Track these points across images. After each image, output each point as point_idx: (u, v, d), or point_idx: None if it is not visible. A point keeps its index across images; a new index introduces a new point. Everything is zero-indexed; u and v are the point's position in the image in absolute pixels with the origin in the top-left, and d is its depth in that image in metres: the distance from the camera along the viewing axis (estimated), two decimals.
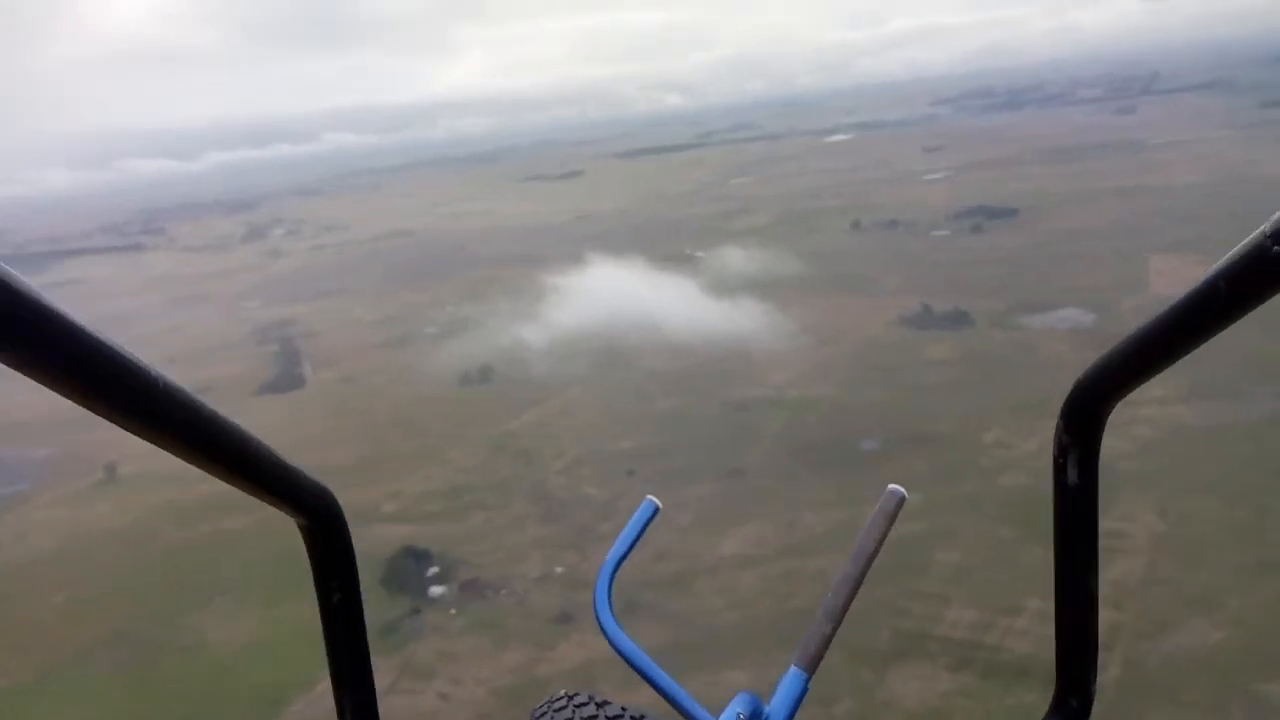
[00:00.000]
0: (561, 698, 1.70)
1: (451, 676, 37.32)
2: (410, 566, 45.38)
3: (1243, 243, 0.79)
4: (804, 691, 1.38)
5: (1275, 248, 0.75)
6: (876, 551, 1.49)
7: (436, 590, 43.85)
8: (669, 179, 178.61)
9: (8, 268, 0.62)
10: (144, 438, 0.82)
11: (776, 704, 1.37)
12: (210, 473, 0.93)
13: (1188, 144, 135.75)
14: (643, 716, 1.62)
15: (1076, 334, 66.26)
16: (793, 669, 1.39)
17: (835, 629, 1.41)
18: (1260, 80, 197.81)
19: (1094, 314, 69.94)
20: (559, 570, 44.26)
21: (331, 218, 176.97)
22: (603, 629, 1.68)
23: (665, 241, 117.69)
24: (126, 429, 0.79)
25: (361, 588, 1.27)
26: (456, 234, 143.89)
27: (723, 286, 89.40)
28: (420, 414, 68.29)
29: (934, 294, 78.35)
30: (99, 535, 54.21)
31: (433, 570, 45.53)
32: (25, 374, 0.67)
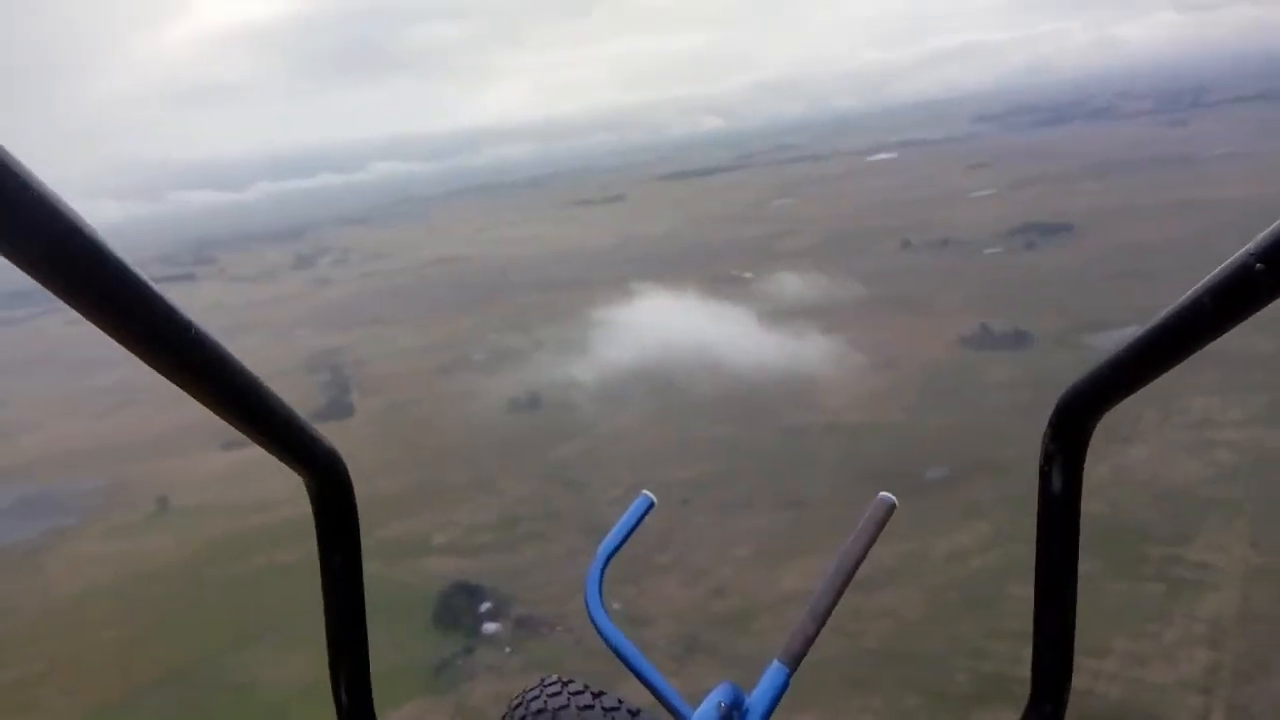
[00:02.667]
0: (555, 682, 1.68)
1: None
2: (462, 603, 44.30)
3: (1228, 260, 0.85)
4: (785, 686, 1.42)
5: (1258, 265, 0.80)
6: (863, 556, 1.54)
7: (490, 627, 42.66)
8: (712, 201, 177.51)
9: (70, 207, 0.66)
10: (170, 378, 0.85)
11: (758, 696, 1.40)
12: (228, 421, 0.97)
13: (1244, 157, 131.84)
14: (638, 711, 1.62)
15: None
16: (775, 663, 1.43)
17: (819, 628, 1.46)
18: None
19: None
20: (616, 606, 42.81)
21: (379, 245, 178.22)
22: (592, 619, 1.73)
23: (712, 264, 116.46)
24: (156, 368, 0.82)
25: (378, 556, 1.32)
26: (503, 260, 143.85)
27: (773, 309, 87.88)
28: (469, 442, 67.46)
29: (992, 314, 76.17)
30: (151, 569, 53.79)
31: (485, 606, 44.37)
32: (68, 302, 0.70)
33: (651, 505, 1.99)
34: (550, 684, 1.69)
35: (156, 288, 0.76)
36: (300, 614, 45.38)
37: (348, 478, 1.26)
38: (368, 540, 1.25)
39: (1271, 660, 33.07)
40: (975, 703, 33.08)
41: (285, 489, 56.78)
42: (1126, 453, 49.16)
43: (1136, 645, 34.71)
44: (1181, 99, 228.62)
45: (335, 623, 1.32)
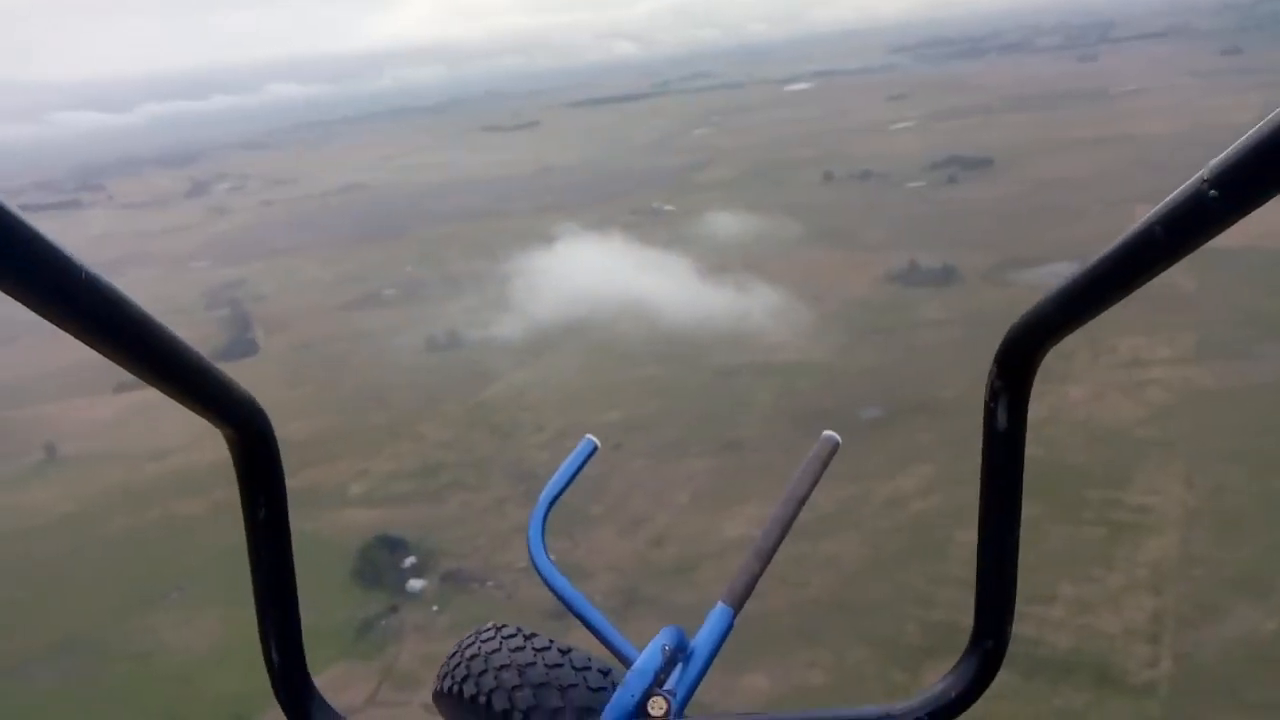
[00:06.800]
0: (489, 628, 1.66)
1: None
2: (385, 558, 41.75)
3: (1179, 188, 0.80)
4: (729, 627, 1.43)
5: (1212, 192, 0.75)
6: (807, 495, 1.55)
7: (415, 584, 40.26)
8: (629, 129, 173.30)
9: None
10: (63, 328, 0.78)
11: (702, 638, 1.40)
12: (133, 372, 0.91)
13: (1154, 92, 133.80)
14: (569, 649, 1.61)
15: None
16: (719, 605, 1.43)
17: (764, 568, 1.46)
18: (1216, 28, 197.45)
19: None
20: (552, 559, 40.88)
21: (279, 172, 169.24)
22: (535, 565, 1.73)
23: (633, 194, 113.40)
24: (44, 316, 0.75)
25: (290, 507, 1.28)
26: (413, 188, 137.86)
27: (699, 243, 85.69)
28: (385, 383, 64.16)
29: (919, 249, 75.32)
30: (39, 524, 49.70)
31: (410, 561, 41.91)
32: None
33: (595, 449, 1.95)
34: (485, 631, 1.62)
35: (43, 230, 0.69)
36: (206, 570, 42.29)
37: (269, 428, 1.20)
38: None
39: (1213, 604, 32.99)
40: (925, 654, 32.24)
41: (182, 435, 52.72)
42: (1062, 392, 48.83)
43: (1082, 591, 34.30)
44: (1090, 34, 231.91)
45: (262, 581, 1.28)
